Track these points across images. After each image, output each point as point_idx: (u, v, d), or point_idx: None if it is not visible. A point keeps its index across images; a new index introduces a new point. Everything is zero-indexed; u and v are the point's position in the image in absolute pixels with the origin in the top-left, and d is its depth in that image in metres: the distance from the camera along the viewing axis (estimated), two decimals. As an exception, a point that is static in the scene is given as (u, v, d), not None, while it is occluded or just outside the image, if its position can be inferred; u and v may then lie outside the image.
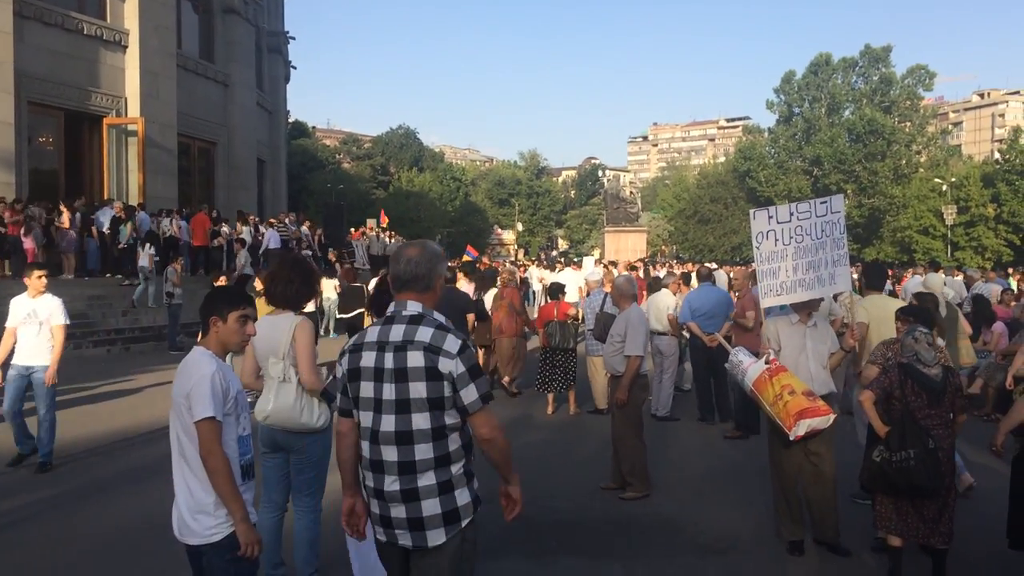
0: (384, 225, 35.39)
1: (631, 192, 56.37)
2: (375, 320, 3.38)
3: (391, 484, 2.98)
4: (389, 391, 2.96)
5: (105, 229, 19.30)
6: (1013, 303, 13.10)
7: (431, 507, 2.96)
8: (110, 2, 22.12)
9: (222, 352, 3.41)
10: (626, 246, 37.79)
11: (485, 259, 32.66)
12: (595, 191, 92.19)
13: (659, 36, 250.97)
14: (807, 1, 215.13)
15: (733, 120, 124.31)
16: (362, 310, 12.60)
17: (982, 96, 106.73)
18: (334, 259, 24.10)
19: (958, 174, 56.54)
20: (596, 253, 50.41)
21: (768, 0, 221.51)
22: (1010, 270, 29.60)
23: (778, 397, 5.36)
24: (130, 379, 12.69)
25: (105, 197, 21.26)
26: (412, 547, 3.01)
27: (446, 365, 2.92)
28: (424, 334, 2.96)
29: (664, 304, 10.56)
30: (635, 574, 5.34)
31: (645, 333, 7.19)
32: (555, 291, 10.88)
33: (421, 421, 2.94)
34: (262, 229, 23.76)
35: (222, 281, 11.36)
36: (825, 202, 6.05)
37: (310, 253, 24.03)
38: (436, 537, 2.97)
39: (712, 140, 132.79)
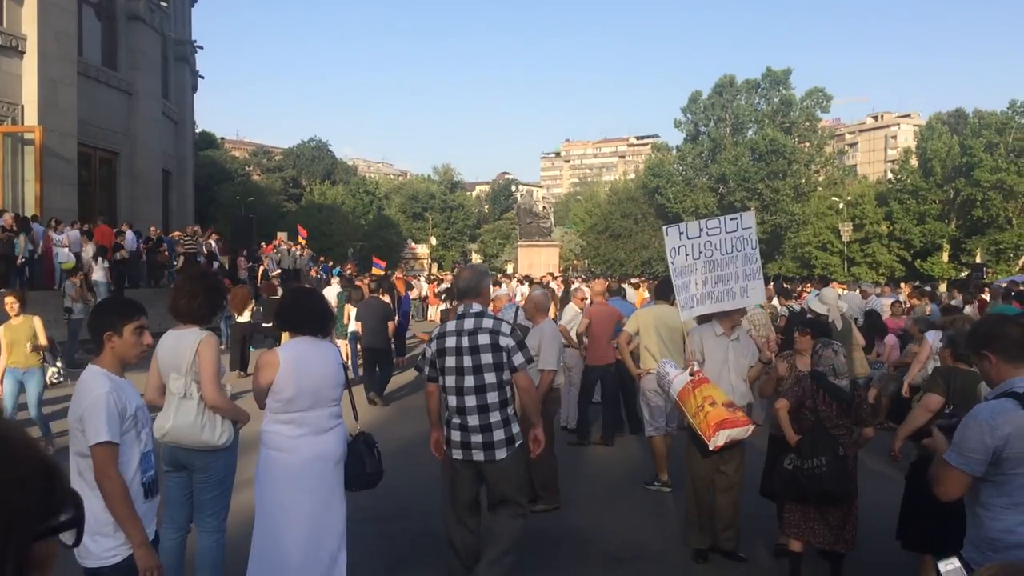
0: (303, 241, 34.92)
1: (544, 207, 56.70)
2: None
3: (472, 420, 4.61)
4: (468, 360, 4.62)
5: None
6: (904, 316, 13.72)
7: (499, 435, 4.62)
8: (7, 6, 21.10)
9: (119, 368, 3.30)
10: (539, 261, 38.06)
11: (398, 273, 32.53)
12: (509, 206, 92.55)
13: (571, 53, 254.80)
14: (712, 22, 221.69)
15: (643, 138, 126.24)
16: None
17: (876, 119, 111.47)
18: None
19: (854, 193, 58.86)
20: (509, 266, 50.53)
21: (676, 21, 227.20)
22: (902, 284, 30.95)
23: (699, 408, 5.50)
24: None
25: (-1, 208, 20.30)
26: (484, 461, 4.62)
27: (504, 341, 4.62)
28: (487, 323, 4.69)
29: (568, 317, 10.69)
30: (545, 586, 5.38)
31: (558, 347, 7.28)
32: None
33: (490, 377, 4.60)
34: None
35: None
36: (735, 218, 6.23)
37: (217, 266, 23.45)
38: (501, 454, 4.63)
39: (623, 157, 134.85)
